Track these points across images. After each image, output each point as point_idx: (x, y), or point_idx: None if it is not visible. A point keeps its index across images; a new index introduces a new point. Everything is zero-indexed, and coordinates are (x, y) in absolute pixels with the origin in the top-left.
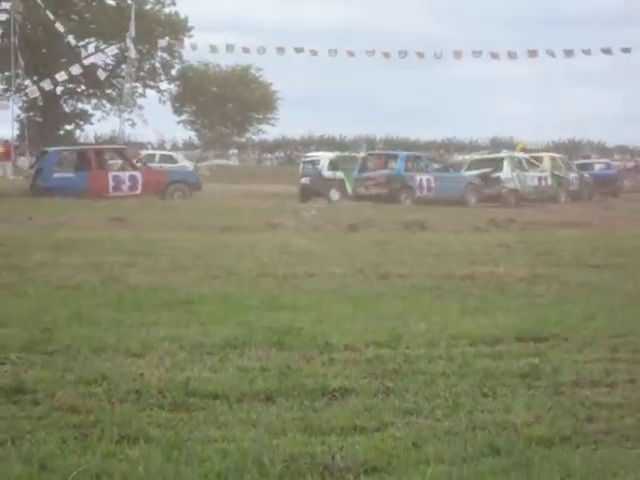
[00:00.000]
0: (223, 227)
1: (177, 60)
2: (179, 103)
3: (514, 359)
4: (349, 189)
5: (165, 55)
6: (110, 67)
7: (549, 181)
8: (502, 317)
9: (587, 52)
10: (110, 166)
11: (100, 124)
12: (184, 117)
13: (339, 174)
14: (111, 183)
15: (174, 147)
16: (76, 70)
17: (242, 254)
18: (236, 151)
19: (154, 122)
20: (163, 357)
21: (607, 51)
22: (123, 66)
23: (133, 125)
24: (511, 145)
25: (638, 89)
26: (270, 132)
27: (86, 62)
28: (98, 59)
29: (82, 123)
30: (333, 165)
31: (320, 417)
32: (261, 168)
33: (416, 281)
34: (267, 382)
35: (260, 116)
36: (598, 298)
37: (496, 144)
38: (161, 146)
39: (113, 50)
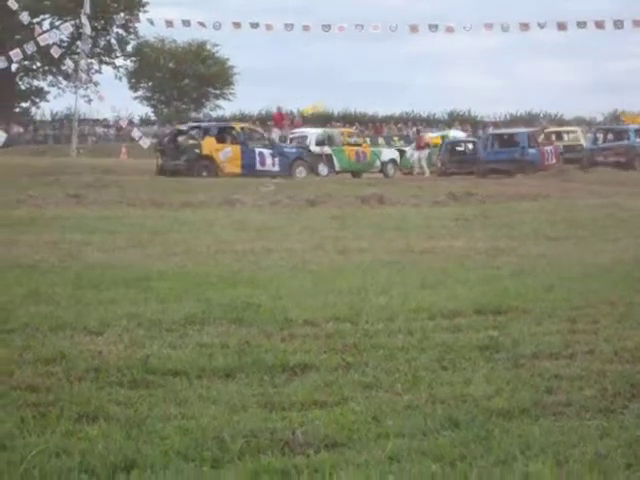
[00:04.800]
0: (182, 203)
1: (133, 36)
2: (135, 79)
3: (473, 332)
4: (336, 164)
5: (120, 31)
6: (65, 44)
7: None
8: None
9: (542, 25)
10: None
11: (56, 101)
12: (140, 93)
13: (326, 149)
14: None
15: (130, 124)
16: (31, 48)
17: (201, 230)
18: None
19: (110, 98)
20: (122, 334)
21: (562, 26)
22: (78, 42)
23: (89, 102)
24: (469, 119)
25: (593, 61)
26: (227, 108)
27: (41, 39)
28: (53, 36)
29: (38, 100)
30: (320, 141)
31: (280, 393)
32: None
33: None
34: (227, 358)
35: (217, 92)
36: None
37: (454, 118)
38: (116, 122)
39: (68, 27)
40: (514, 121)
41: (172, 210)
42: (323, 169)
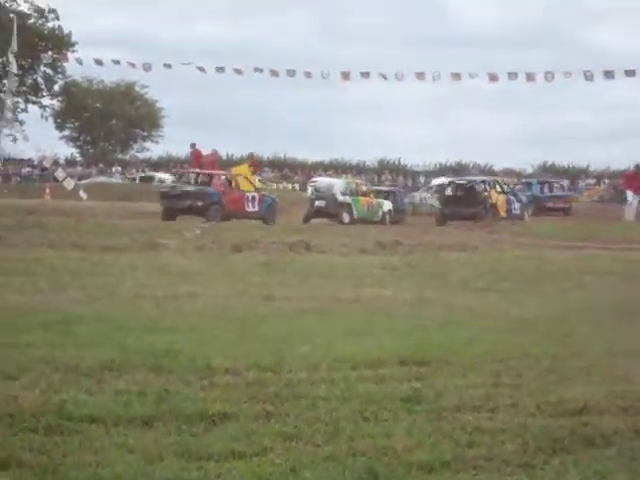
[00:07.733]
0: (104, 246)
1: (60, 75)
2: (62, 119)
3: (396, 383)
4: (355, 212)
5: (48, 70)
6: None
7: None
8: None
9: (473, 76)
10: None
11: None
12: (66, 133)
13: (347, 198)
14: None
15: (55, 164)
16: None
17: (123, 274)
18: (119, 169)
19: (35, 138)
20: (38, 379)
21: (493, 77)
22: (4, 80)
23: (14, 141)
24: (399, 167)
25: (524, 112)
26: (154, 150)
27: None
28: None
29: None
30: (343, 190)
31: (198, 442)
32: (145, 186)
33: None
34: (144, 406)
35: (145, 133)
36: None
37: (384, 166)
38: (41, 163)
39: None
40: (442, 171)
41: (95, 253)
42: (346, 217)
